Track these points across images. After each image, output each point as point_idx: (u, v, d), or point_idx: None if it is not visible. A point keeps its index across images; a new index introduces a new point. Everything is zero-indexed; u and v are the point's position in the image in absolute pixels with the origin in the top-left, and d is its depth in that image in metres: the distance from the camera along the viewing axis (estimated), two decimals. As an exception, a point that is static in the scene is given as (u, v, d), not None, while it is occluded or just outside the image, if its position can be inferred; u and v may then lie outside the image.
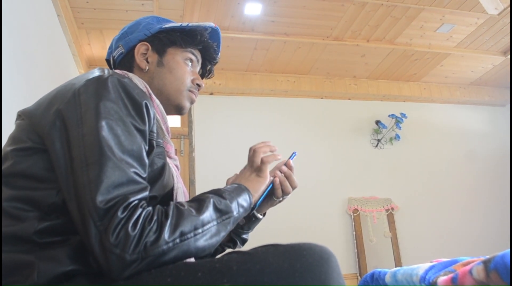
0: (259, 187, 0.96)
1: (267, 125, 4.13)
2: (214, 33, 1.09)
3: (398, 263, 3.84)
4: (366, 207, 4.05)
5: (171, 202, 0.75)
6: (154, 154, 0.82)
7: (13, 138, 0.80)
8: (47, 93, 0.83)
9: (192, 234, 0.70)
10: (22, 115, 0.82)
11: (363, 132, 4.38)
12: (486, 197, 4.35)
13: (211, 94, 4.16)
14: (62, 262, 0.67)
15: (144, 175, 0.75)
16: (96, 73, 0.81)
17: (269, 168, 1.00)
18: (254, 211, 1.03)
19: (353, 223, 3.97)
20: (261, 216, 1.06)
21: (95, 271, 0.68)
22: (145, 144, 0.78)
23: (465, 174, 4.40)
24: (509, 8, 3.18)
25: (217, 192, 0.82)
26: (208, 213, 0.75)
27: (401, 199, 4.14)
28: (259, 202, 0.98)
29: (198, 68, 1.10)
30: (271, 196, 1.02)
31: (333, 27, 3.59)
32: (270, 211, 1.10)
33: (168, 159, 0.90)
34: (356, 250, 3.86)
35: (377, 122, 4.34)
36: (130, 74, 0.94)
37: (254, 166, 0.98)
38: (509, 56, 4.08)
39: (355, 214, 4.00)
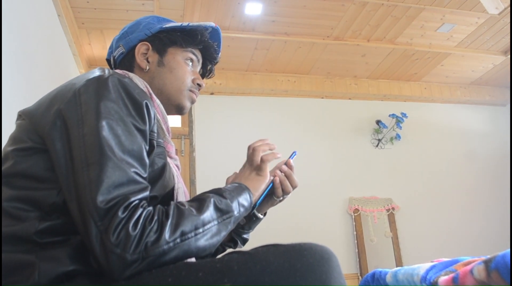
0: (260, 186, 0.95)
1: (268, 125, 4.13)
2: (214, 33, 1.09)
3: (399, 263, 3.84)
4: (366, 207, 4.05)
5: (172, 202, 0.75)
6: (155, 154, 0.81)
7: (13, 138, 0.80)
8: (48, 93, 0.83)
9: (192, 234, 0.70)
10: (23, 115, 0.82)
11: (363, 132, 4.37)
12: (487, 196, 4.35)
13: (212, 94, 4.16)
14: (63, 262, 0.67)
15: (145, 175, 0.75)
16: (96, 73, 0.81)
17: (269, 166, 0.99)
18: (255, 211, 1.03)
19: (354, 223, 3.97)
20: (261, 216, 1.06)
21: (96, 271, 0.68)
22: (145, 144, 0.78)
23: (466, 174, 4.40)
24: (509, 7, 3.18)
25: (217, 192, 0.82)
26: (209, 213, 0.75)
27: (402, 199, 4.14)
28: (259, 201, 0.98)
29: (198, 67, 1.10)
30: (272, 195, 1.02)
31: (333, 27, 3.58)
32: (271, 211, 1.10)
33: (168, 159, 0.90)
34: (357, 250, 3.86)
35: (378, 122, 4.34)
36: (131, 74, 0.94)
37: (254, 164, 0.98)
38: (509, 56, 4.08)
39: (355, 214, 4.00)
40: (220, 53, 1.13)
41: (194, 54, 1.06)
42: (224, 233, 0.77)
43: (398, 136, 4.33)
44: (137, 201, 0.69)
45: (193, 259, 0.75)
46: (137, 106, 0.78)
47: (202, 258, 0.77)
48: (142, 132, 0.77)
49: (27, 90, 2.16)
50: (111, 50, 1.07)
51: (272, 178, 1.01)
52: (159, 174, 0.82)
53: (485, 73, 4.48)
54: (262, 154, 0.98)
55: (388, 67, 4.26)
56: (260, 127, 4.09)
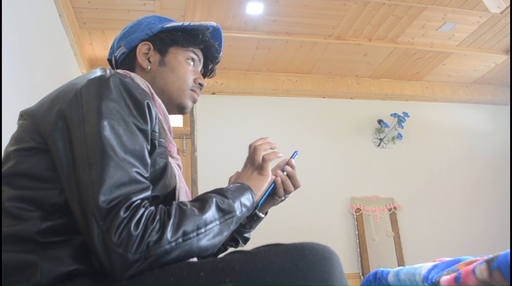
0: (262, 186, 0.95)
1: (269, 125, 4.13)
2: (215, 32, 1.09)
3: (400, 262, 3.84)
4: (368, 207, 4.04)
5: (174, 202, 0.75)
6: (156, 154, 0.82)
7: (15, 138, 0.81)
8: (49, 93, 0.83)
9: (194, 234, 0.70)
10: (25, 115, 0.82)
11: (365, 131, 4.37)
12: (489, 196, 4.34)
13: (213, 93, 4.16)
14: (64, 262, 0.67)
15: (146, 175, 0.75)
16: (98, 73, 0.81)
17: (270, 165, 0.99)
18: (256, 210, 1.03)
19: (356, 223, 3.97)
20: (263, 215, 1.06)
21: (98, 271, 0.68)
22: (147, 144, 0.78)
23: (468, 173, 4.40)
24: (510, 7, 3.17)
25: (220, 192, 0.82)
26: (211, 213, 0.75)
27: (404, 199, 4.14)
28: (261, 201, 0.98)
29: (200, 67, 1.10)
30: (273, 195, 1.02)
31: (335, 26, 3.58)
32: (272, 211, 1.10)
33: (170, 159, 0.90)
34: (358, 250, 3.86)
35: (379, 121, 4.34)
36: (132, 74, 0.94)
37: (256, 164, 0.97)
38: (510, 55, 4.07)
39: (357, 214, 3.99)
40: (221, 53, 1.13)
41: (195, 53, 1.06)
42: (226, 233, 0.77)
43: (399, 136, 4.33)
44: (139, 201, 0.69)
45: (194, 259, 0.75)
46: (138, 106, 0.78)
47: (204, 258, 0.77)
48: (143, 132, 0.77)
49: (28, 90, 2.16)
50: (113, 50, 1.07)
51: (273, 178, 1.01)
52: (160, 174, 0.82)
53: (487, 72, 4.47)
54: (263, 153, 0.98)
55: (389, 67, 4.26)
56: (262, 127, 4.10)
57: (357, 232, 3.92)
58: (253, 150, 0.98)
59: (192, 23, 1.03)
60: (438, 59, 4.14)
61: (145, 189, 0.71)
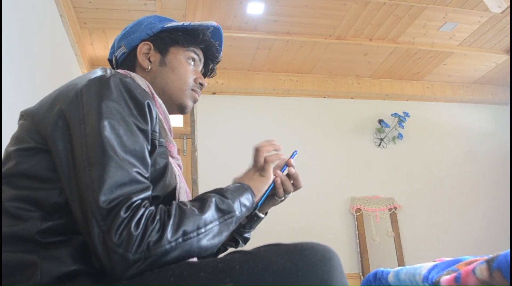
0: (262, 187, 0.95)
1: (270, 125, 4.13)
2: (216, 32, 1.09)
3: (401, 262, 3.83)
4: (368, 207, 4.04)
5: (174, 202, 0.75)
6: (157, 154, 0.82)
7: (16, 138, 0.81)
8: (50, 93, 0.83)
9: (195, 234, 0.70)
10: (25, 115, 0.82)
11: (365, 131, 4.37)
12: (489, 196, 4.34)
13: (214, 93, 4.16)
14: (65, 262, 0.67)
15: (147, 175, 0.75)
16: (98, 73, 0.81)
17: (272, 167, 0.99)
18: (256, 210, 1.03)
19: (356, 223, 3.97)
20: (263, 215, 1.06)
21: (98, 271, 0.68)
22: (147, 144, 0.78)
23: (468, 173, 4.39)
24: (510, 7, 3.17)
25: (219, 192, 0.82)
26: (211, 213, 0.75)
27: (404, 199, 4.14)
28: (260, 202, 0.98)
29: (200, 67, 1.10)
30: (273, 195, 1.02)
31: (335, 26, 3.58)
32: (272, 211, 1.10)
33: (170, 159, 0.90)
34: (359, 250, 3.86)
35: (380, 121, 4.33)
36: (133, 74, 0.94)
37: (258, 165, 0.98)
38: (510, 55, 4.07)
39: (357, 214, 3.99)
40: (221, 52, 1.13)
41: (196, 53, 1.05)
42: (225, 233, 0.77)
43: (400, 136, 4.32)
44: (139, 201, 0.69)
45: (194, 259, 0.75)
46: (139, 106, 0.78)
47: (204, 258, 0.77)
48: (144, 132, 0.77)
49: (29, 90, 2.16)
50: (113, 50, 1.07)
51: (273, 178, 1.01)
52: (161, 174, 0.82)
53: (488, 72, 4.47)
54: (266, 154, 0.98)
55: (390, 66, 4.26)
56: (262, 127, 4.10)
57: (357, 232, 3.92)
58: (256, 152, 0.99)
59: (192, 23, 1.03)
60: (439, 59, 4.14)
61: (145, 189, 0.71)
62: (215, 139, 3.99)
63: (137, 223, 0.66)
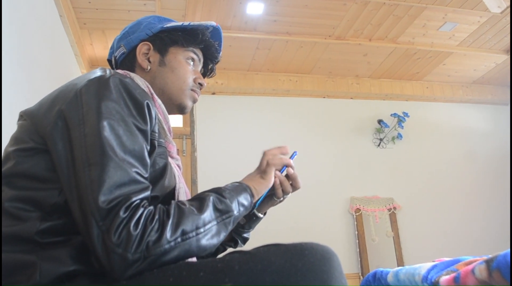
0: (261, 189, 0.94)
1: (269, 125, 4.13)
2: (215, 32, 1.09)
3: (400, 262, 3.83)
4: (368, 207, 4.04)
5: (173, 201, 0.75)
6: (156, 154, 0.82)
7: (15, 139, 0.81)
8: (49, 94, 0.83)
9: (194, 234, 0.70)
10: (24, 116, 0.82)
11: (365, 132, 4.37)
12: (489, 196, 4.34)
13: (213, 93, 4.16)
14: (64, 262, 0.67)
15: (146, 175, 0.75)
16: (98, 73, 0.81)
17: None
18: (255, 210, 1.03)
19: (355, 223, 3.97)
20: (261, 215, 1.06)
21: (97, 271, 0.68)
22: (146, 144, 0.78)
23: (468, 173, 4.39)
24: (509, 7, 3.17)
25: (217, 191, 0.82)
26: (209, 212, 0.75)
27: (404, 199, 4.14)
28: (259, 202, 0.98)
29: (200, 67, 1.10)
30: (272, 196, 1.02)
31: (335, 26, 3.58)
32: (272, 211, 1.10)
33: (170, 159, 0.90)
34: (358, 250, 3.86)
35: (379, 121, 4.33)
36: (132, 74, 0.94)
37: (261, 168, 0.98)
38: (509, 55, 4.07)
39: (357, 214, 3.99)
40: (221, 53, 1.14)
41: (195, 53, 1.06)
42: (224, 233, 0.77)
43: (399, 136, 4.33)
44: (138, 201, 0.69)
45: (194, 259, 0.75)
46: (138, 106, 0.78)
47: (203, 258, 0.77)
48: (143, 132, 0.77)
49: (28, 91, 2.16)
50: (112, 50, 1.08)
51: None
52: (160, 174, 0.82)
53: (487, 72, 4.47)
54: (270, 158, 0.98)
55: (390, 67, 4.26)
56: (262, 127, 4.09)
57: (356, 232, 3.92)
58: (262, 154, 0.99)
59: (192, 23, 1.03)
60: (439, 59, 4.14)
61: (144, 189, 0.72)
62: (215, 139, 3.98)
63: (136, 223, 0.66)
